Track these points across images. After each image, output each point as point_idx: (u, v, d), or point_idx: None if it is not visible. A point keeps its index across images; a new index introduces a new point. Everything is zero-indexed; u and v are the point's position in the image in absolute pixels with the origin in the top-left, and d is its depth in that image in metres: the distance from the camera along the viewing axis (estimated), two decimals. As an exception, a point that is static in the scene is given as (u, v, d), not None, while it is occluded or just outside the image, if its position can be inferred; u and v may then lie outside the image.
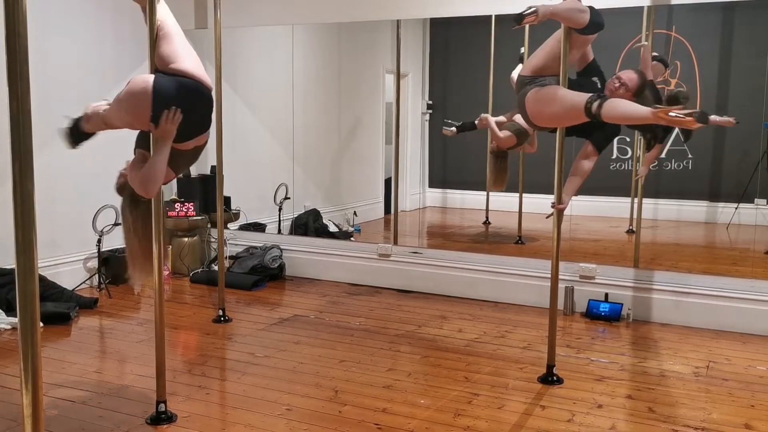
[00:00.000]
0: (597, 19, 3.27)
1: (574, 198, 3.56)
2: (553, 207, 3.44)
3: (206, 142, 2.95)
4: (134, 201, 2.88)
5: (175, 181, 5.85)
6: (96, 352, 3.93)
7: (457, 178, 6.74)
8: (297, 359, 3.75)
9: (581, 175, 3.54)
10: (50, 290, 4.59)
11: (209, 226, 5.87)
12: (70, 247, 5.08)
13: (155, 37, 2.79)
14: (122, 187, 2.93)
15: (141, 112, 2.64)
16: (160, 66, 2.73)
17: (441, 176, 6.82)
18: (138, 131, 2.85)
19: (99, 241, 5.06)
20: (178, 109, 2.64)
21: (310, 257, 5.66)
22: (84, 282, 5.15)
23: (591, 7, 3.25)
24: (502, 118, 5.34)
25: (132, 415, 3.01)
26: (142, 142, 2.83)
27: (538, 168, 5.53)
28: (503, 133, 5.27)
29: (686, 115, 2.68)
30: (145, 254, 2.90)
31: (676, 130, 5.45)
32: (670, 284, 4.46)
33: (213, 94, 2.90)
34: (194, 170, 6.00)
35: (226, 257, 5.29)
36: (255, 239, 5.88)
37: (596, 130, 3.49)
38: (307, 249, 5.71)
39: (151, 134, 2.71)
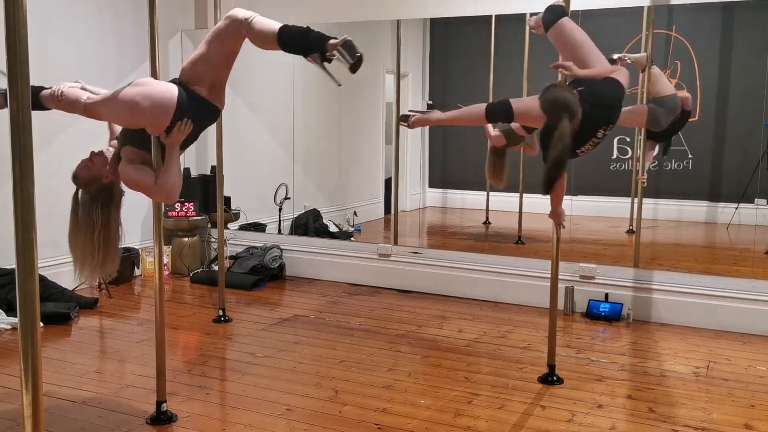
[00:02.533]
0: (547, 16, 3.26)
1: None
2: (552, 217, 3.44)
3: None
4: (109, 196, 2.82)
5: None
6: (96, 352, 3.93)
7: (457, 178, 6.74)
8: (297, 359, 3.75)
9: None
10: (50, 290, 4.59)
11: (209, 226, 5.87)
12: (70, 247, 5.07)
13: (155, 37, 2.80)
14: (91, 180, 2.81)
15: (160, 120, 2.67)
16: (187, 77, 2.79)
17: (441, 176, 6.82)
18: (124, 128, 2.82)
19: (99, 241, 5.06)
20: (190, 121, 2.71)
21: (310, 257, 5.66)
22: (84, 282, 5.14)
23: (549, 6, 3.28)
24: None
25: (132, 415, 3.01)
26: (134, 140, 2.79)
27: (538, 168, 5.52)
28: (494, 132, 5.27)
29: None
30: (109, 254, 2.80)
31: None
32: (670, 284, 4.46)
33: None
34: (194, 170, 6.01)
35: (226, 257, 5.28)
36: (255, 239, 5.88)
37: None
38: (307, 249, 5.71)
39: (152, 138, 2.75)
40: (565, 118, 2.95)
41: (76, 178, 2.84)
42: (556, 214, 3.40)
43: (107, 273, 2.89)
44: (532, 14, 3.61)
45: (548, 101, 3.03)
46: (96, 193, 2.81)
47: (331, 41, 2.68)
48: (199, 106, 2.77)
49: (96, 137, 5.03)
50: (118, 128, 2.95)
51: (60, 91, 2.71)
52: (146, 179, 2.73)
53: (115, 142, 2.98)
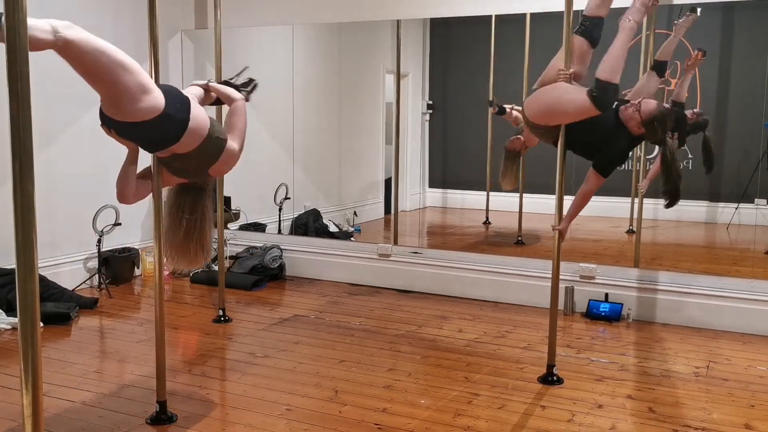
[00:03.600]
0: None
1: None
2: (553, 229, 3.45)
3: (194, 150, 2.72)
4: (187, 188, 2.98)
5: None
6: (96, 352, 3.93)
7: (457, 178, 6.74)
8: (297, 359, 3.75)
9: (580, 198, 3.46)
10: (50, 290, 4.59)
11: (209, 226, 5.86)
12: (70, 247, 5.08)
13: (155, 37, 2.80)
14: None
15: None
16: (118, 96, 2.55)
17: (441, 176, 6.81)
18: None
19: (99, 241, 5.06)
20: (106, 127, 2.65)
21: (310, 257, 5.66)
22: (84, 282, 5.15)
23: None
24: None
25: (132, 415, 3.01)
26: None
27: (539, 168, 5.52)
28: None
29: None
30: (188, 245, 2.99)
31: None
32: (670, 284, 4.46)
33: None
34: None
35: (226, 257, 5.28)
36: (255, 239, 5.88)
37: (597, 152, 3.45)
38: (307, 249, 5.71)
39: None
40: (667, 134, 3.31)
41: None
42: (565, 227, 3.42)
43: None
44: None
45: (657, 120, 3.31)
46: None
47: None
48: (108, 118, 2.59)
49: (93, 138, 5.04)
50: None
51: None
52: None
53: None
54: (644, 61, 4.98)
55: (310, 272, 5.64)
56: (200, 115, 2.70)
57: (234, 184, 5.74)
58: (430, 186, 6.83)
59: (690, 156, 5.53)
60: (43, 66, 4.68)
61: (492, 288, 4.97)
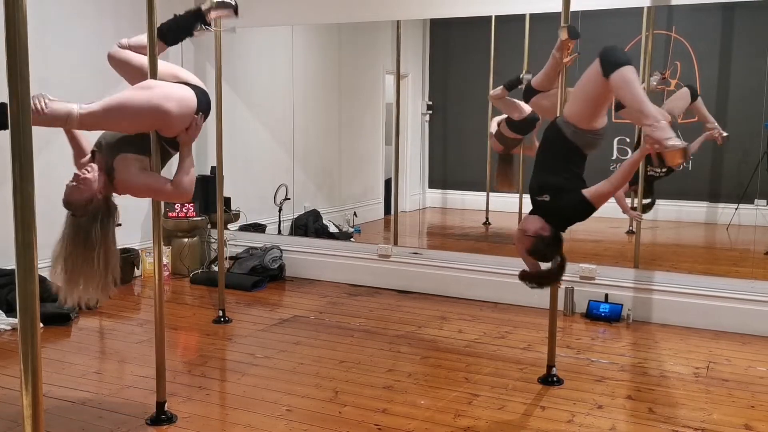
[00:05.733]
0: None
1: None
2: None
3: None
4: (107, 212, 2.76)
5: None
6: (96, 352, 3.92)
7: (457, 178, 6.75)
8: (297, 360, 3.74)
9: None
10: (50, 291, 4.58)
11: (209, 226, 5.87)
12: (70, 247, 5.07)
13: (154, 38, 2.79)
14: (87, 202, 2.73)
15: (187, 118, 2.73)
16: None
17: (441, 177, 6.82)
18: (124, 136, 2.76)
19: (99, 241, 5.05)
20: (203, 115, 2.79)
21: (310, 258, 5.65)
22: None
23: None
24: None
25: (132, 415, 3.01)
26: (134, 147, 2.74)
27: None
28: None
29: None
30: (110, 272, 2.75)
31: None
32: (670, 285, 4.46)
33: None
34: (194, 170, 5.99)
35: (226, 258, 5.28)
36: (255, 240, 5.88)
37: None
38: (307, 250, 5.71)
39: (152, 141, 2.76)
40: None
41: (69, 204, 2.77)
42: None
43: (110, 292, 2.81)
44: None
45: None
46: (95, 212, 2.74)
47: (204, 6, 2.90)
48: (208, 102, 2.86)
49: (94, 139, 5.03)
50: (86, 144, 2.92)
51: (44, 103, 2.51)
52: (162, 183, 2.76)
53: (88, 158, 2.89)
54: (644, 61, 4.98)
55: (310, 273, 5.64)
56: None
57: (234, 184, 5.75)
58: (430, 187, 6.84)
59: (690, 156, 5.53)
60: (43, 66, 4.70)
61: (492, 288, 4.97)
